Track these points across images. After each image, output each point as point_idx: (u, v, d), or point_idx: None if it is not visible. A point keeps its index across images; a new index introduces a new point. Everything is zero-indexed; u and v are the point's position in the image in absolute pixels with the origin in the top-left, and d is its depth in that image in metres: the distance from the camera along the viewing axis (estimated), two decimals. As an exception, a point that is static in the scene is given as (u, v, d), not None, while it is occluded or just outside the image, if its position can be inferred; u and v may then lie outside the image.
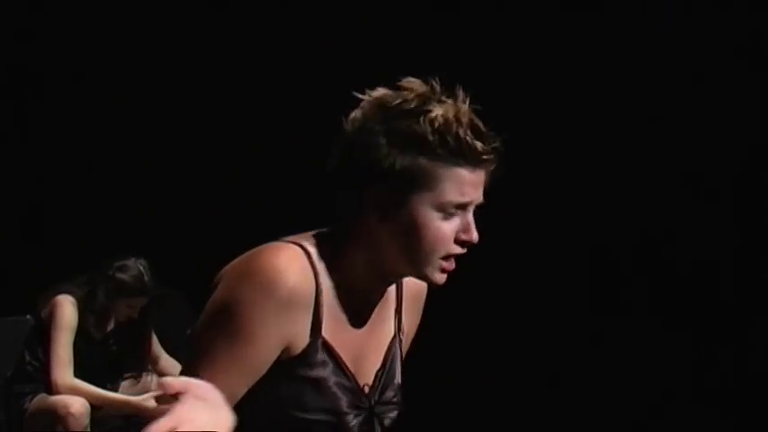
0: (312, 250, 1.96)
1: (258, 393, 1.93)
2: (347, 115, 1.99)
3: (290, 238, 1.99)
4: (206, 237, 6.58)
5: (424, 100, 1.94)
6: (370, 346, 2.03)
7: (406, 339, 2.16)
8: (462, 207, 1.94)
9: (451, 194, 1.92)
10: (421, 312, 2.19)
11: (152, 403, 5.04)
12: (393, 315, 2.09)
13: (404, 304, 2.11)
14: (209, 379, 1.60)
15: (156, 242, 6.42)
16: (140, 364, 5.34)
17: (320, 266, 1.95)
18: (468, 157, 1.92)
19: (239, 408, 1.79)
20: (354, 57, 5.80)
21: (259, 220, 6.62)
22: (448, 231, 1.93)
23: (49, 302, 5.09)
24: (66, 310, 5.03)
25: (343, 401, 1.98)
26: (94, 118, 6.71)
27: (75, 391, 5.01)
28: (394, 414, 2.08)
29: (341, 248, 1.98)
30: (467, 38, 5.90)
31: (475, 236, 1.95)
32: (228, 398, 1.52)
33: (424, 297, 2.17)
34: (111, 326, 5.24)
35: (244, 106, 6.66)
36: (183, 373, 1.91)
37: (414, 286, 2.11)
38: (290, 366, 1.94)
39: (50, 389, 5.02)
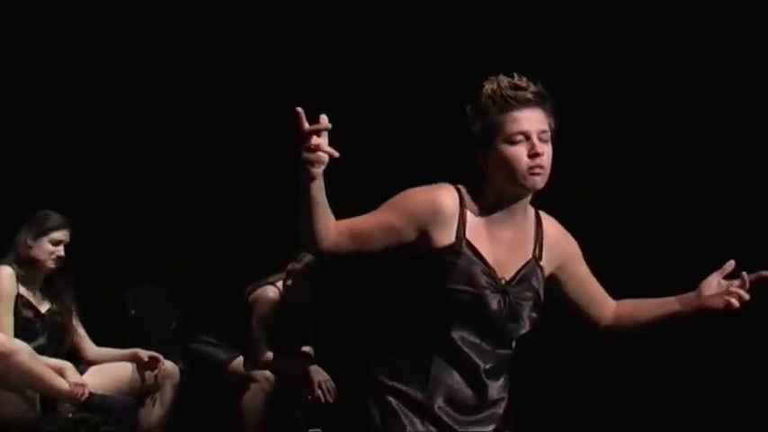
0: (461, 188, 3.00)
1: (411, 276, 2.95)
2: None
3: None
4: (192, 234, 6.68)
5: (484, 86, 2.97)
6: (508, 258, 3.01)
7: (563, 269, 3.14)
8: (523, 135, 2.94)
9: (509, 129, 2.93)
10: (574, 245, 3.16)
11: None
12: (532, 245, 3.06)
13: (544, 241, 3.08)
14: (363, 217, 2.88)
15: (148, 240, 6.53)
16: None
17: (466, 197, 2.99)
18: (512, 103, 2.94)
19: (392, 293, 2.96)
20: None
21: (245, 219, 6.71)
22: (518, 153, 2.93)
23: None
24: (4, 278, 5.19)
25: (482, 279, 2.95)
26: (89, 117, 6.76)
27: (25, 354, 5.08)
28: (528, 305, 3.01)
29: (478, 188, 3.01)
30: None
31: (538, 149, 2.92)
32: (360, 241, 2.85)
33: (566, 238, 3.15)
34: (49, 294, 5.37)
35: (224, 103, 6.75)
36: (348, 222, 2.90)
37: (553, 232, 3.10)
38: (440, 253, 2.93)
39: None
